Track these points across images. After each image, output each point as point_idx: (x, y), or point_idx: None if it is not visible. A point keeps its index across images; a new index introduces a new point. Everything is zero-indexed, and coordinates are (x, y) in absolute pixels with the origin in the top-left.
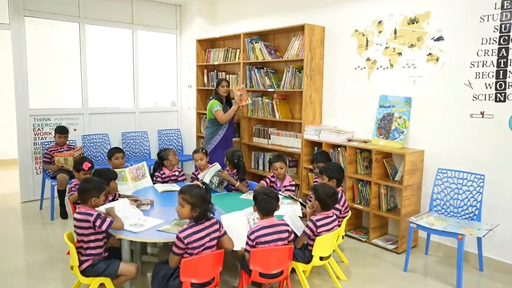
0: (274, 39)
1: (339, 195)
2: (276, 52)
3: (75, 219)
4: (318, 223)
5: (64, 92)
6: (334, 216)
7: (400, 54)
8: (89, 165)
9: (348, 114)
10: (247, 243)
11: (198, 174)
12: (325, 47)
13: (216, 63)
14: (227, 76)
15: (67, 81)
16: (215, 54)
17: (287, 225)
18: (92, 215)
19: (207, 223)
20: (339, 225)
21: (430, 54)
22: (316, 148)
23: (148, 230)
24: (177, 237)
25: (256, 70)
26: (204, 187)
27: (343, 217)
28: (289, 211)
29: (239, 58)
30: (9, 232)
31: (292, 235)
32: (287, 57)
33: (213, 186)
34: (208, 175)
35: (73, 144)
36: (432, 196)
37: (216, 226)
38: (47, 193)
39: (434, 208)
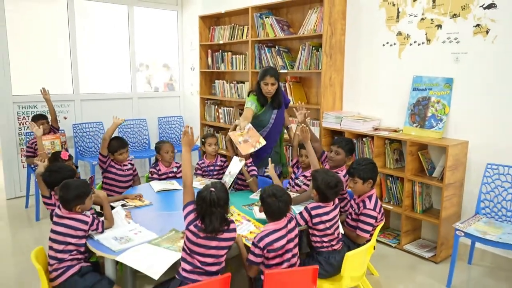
0: (287, 13)
1: (374, 199)
2: (289, 28)
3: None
4: (313, 212)
5: (52, 76)
6: (333, 206)
7: (439, 26)
8: (68, 154)
9: (374, 98)
10: (253, 253)
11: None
12: (347, 20)
13: (221, 42)
14: (234, 56)
15: (54, 64)
16: (220, 32)
17: (296, 226)
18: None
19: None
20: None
21: (478, 25)
22: (336, 138)
23: (135, 247)
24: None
25: (266, 49)
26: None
27: (377, 226)
28: None
29: (247, 35)
30: None
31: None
32: (303, 33)
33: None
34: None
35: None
36: (480, 197)
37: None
38: (33, 189)
39: (482, 211)
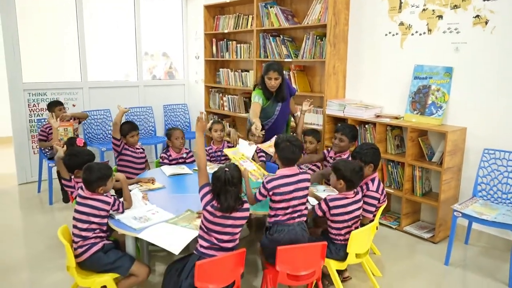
0: (292, 3)
1: (376, 182)
2: (293, 17)
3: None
4: (331, 204)
5: (61, 64)
6: (354, 198)
7: (440, 17)
8: (83, 141)
9: (376, 87)
10: (259, 192)
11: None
12: (351, 10)
13: (226, 31)
14: (238, 45)
15: (63, 52)
16: (224, 21)
17: (308, 180)
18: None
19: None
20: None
21: (477, 16)
22: (339, 125)
23: (154, 225)
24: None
25: (271, 38)
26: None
27: (380, 207)
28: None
29: (251, 25)
30: (5, 218)
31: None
32: (307, 23)
33: None
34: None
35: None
36: (477, 180)
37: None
38: (45, 175)
39: (479, 194)
